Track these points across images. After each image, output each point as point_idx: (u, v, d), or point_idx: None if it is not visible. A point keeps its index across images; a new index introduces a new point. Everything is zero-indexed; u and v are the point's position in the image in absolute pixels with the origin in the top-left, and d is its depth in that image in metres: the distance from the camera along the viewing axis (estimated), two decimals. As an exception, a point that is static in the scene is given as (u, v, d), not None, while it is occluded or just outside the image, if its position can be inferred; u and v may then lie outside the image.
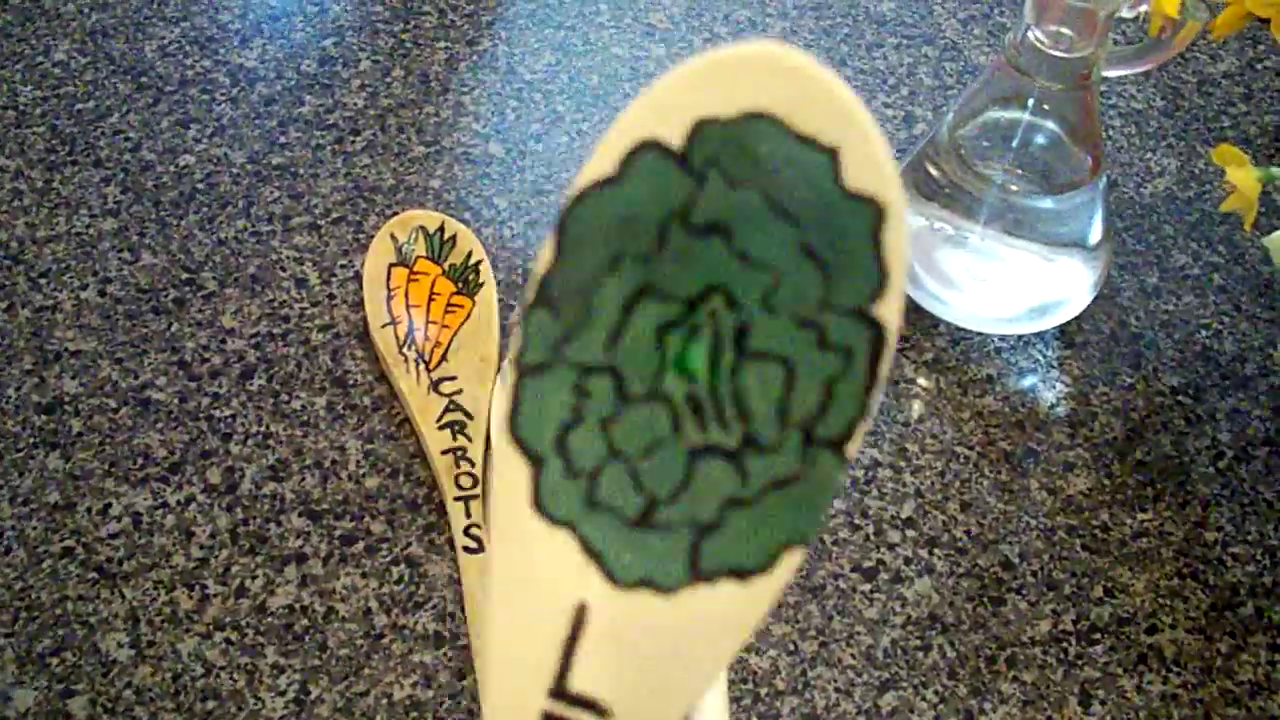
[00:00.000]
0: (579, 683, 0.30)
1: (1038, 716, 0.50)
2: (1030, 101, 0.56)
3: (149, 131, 0.67)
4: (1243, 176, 0.51)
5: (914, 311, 0.61)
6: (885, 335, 0.26)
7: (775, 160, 0.26)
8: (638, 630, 0.29)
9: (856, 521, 0.55)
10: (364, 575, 0.52)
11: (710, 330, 0.27)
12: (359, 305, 0.60)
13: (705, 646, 0.30)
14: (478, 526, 0.53)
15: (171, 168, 0.66)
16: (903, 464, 0.57)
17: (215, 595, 0.52)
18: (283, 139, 0.67)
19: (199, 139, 0.67)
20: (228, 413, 0.57)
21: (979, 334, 0.61)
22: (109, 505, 0.54)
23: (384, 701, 0.49)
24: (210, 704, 0.49)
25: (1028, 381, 0.60)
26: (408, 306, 0.59)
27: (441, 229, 0.62)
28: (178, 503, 0.54)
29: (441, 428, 0.56)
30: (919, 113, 0.71)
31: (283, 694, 0.49)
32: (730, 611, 0.28)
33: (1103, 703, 0.51)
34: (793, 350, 0.26)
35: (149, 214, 0.64)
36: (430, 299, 0.60)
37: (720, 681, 0.48)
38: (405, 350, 0.58)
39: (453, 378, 0.57)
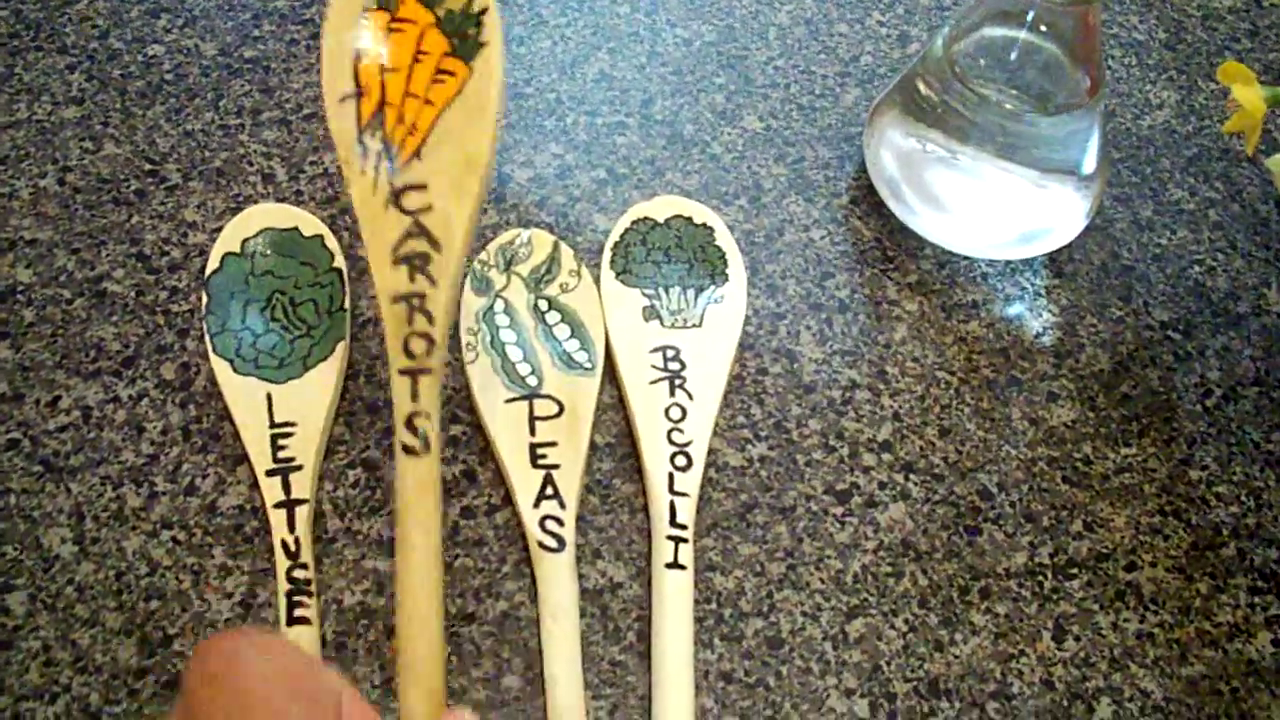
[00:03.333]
0: None
1: (1009, 649, 0.49)
2: (1029, 17, 0.54)
3: (117, 19, 0.65)
4: (1249, 95, 0.49)
5: (899, 232, 0.60)
6: None
7: None
8: None
9: (831, 443, 0.53)
10: (319, 479, 0.50)
11: None
12: (328, 202, 0.58)
13: None
14: (424, 416, 0.41)
15: (139, 57, 0.64)
16: (881, 386, 0.55)
17: (164, 493, 0.50)
18: (256, 31, 0.65)
19: (169, 29, 0.65)
20: (185, 307, 0.55)
21: (966, 258, 0.59)
22: (58, 398, 0.52)
23: (333, 607, 0.48)
24: (154, 603, 0.47)
25: (1014, 309, 0.58)
26: (382, 71, 0.44)
27: None
28: (129, 397, 0.52)
29: (398, 262, 0.42)
30: (914, 33, 0.69)
31: (229, 596, 0.48)
32: None
33: (1077, 638, 0.49)
34: None
35: (114, 103, 0.62)
36: (415, 60, 0.44)
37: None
38: (367, 137, 0.43)
39: (422, 186, 0.43)
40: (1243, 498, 0.53)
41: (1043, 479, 0.53)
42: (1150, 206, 0.62)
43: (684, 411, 0.52)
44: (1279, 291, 0.59)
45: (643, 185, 0.61)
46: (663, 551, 0.49)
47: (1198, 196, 0.63)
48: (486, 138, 0.43)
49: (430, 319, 0.41)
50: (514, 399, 0.52)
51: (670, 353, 0.54)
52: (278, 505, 0.49)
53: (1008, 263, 0.59)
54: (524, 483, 0.50)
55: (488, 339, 0.53)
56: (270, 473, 0.49)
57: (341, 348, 0.53)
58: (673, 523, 0.49)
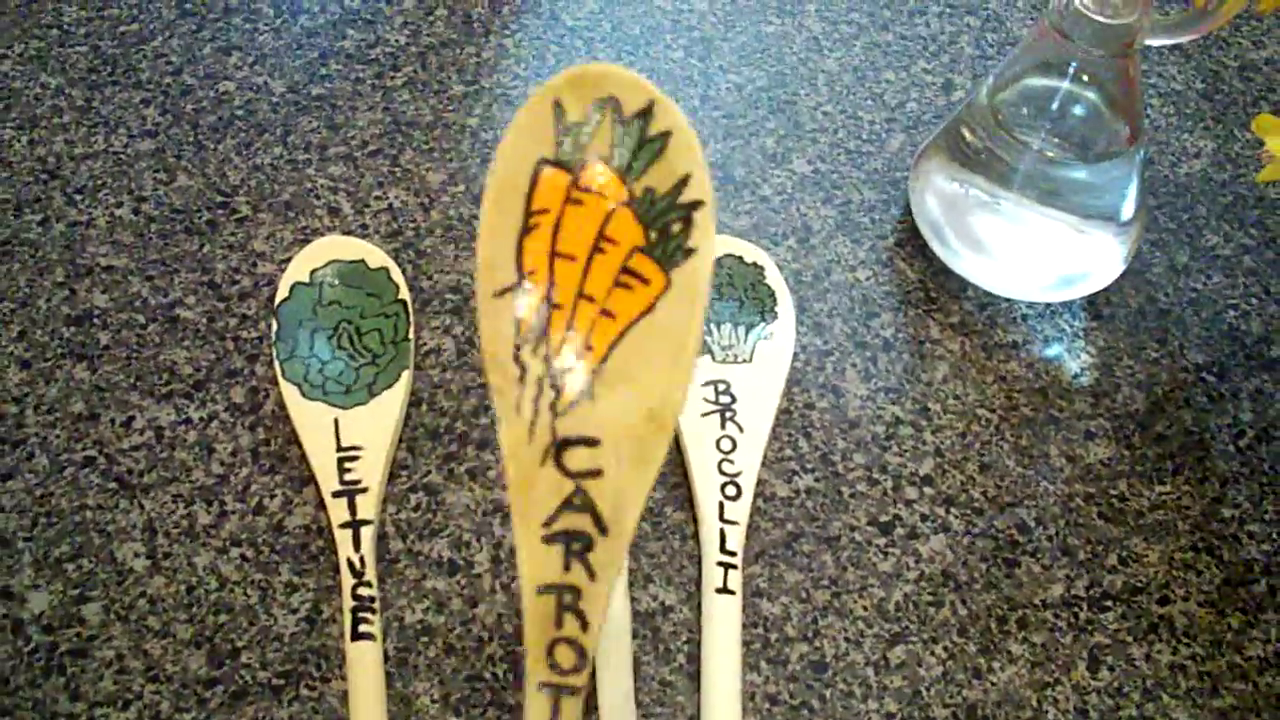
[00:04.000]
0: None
1: (1045, 678, 0.50)
2: (1071, 68, 0.56)
3: (190, 56, 0.68)
4: (1282, 147, 0.51)
5: (942, 274, 0.61)
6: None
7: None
8: None
9: (875, 476, 0.55)
10: (381, 501, 0.52)
11: None
12: (391, 236, 0.61)
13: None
14: None
15: (211, 93, 0.66)
16: (924, 423, 0.57)
17: (233, 512, 0.52)
18: (323, 70, 0.68)
19: (240, 66, 0.67)
20: (254, 334, 0.57)
21: (1007, 300, 0.61)
22: (132, 418, 0.54)
23: (395, 624, 0.49)
24: (223, 617, 0.49)
25: (1053, 350, 0.59)
26: (552, 255, 0.34)
27: (649, 113, 0.34)
28: (200, 419, 0.54)
29: (551, 540, 0.33)
30: (958, 80, 0.70)
31: (294, 611, 0.50)
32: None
33: (1111, 669, 0.51)
34: None
35: (186, 137, 0.64)
36: (595, 249, 0.34)
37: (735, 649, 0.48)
38: (526, 354, 0.33)
39: (594, 441, 0.33)
40: (1274, 536, 0.55)
41: (1079, 514, 0.55)
42: (1186, 252, 0.64)
43: (734, 443, 0.54)
44: (1311, 337, 0.61)
45: (694, 224, 0.62)
46: (712, 577, 0.50)
47: (1233, 243, 0.64)
48: (681, 385, 0.33)
49: (584, 624, 0.33)
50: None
51: (721, 386, 0.55)
52: (344, 525, 0.50)
53: (1047, 305, 0.61)
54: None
55: None
56: (336, 494, 0.51)
57: (406, 376, 0.55)
58: (722, 549, 0.51)
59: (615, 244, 0.33)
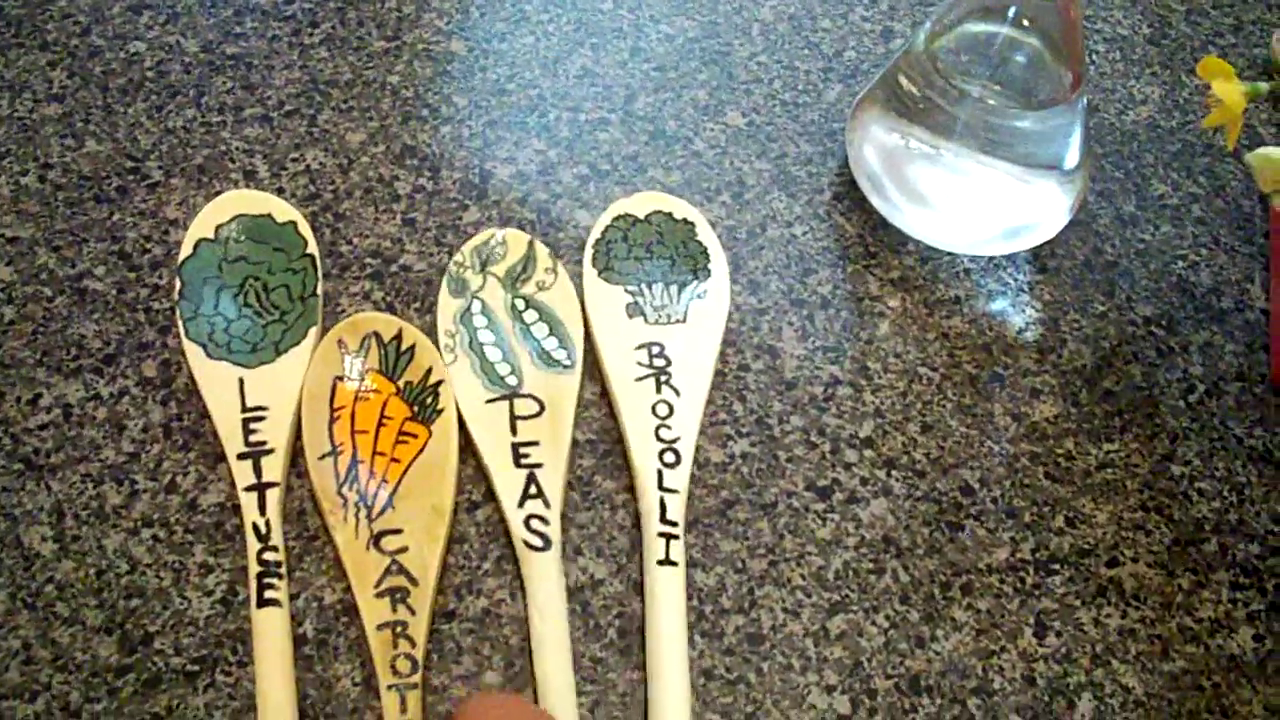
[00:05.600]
0: None
1: (991, 645, 0.49)
2: (1011, 12, 0.54)
3: (99, 16, 0.65)
4: (1228, 90, 0.49)
5: (882, 228, 0.60)
6: None
7: None
8: None
9: (813, 439, 0.53)
10: (298, 475, 0.50)
11: None
12: (309, 199, 0.58)
13: None
14: None
15: (121, 54, 0.64)
16: (863, 382, 0.55)
17: (144, 491, 0.50)
18: (238, 28, 0.65)
19: (151, 25, 0.65)
20: (166, 305, 0.55)
21: (948, 254, 0.59)
22: (39, 395, 0.52)
23: (314, 605, 0.48)
24: (134, 601, 0.47)
25: (997, 304, 0.58)
26: (353, 433, 0.51)
27: (399, 337, 0.53)
28: (110, 395, 0.52)
29: (380, 595, 0.47)
30: (897, 27, 0.69)
31: (209, 594, 0.48)
32: None
33: (1058, 634, 0.49)
34: None
35: (95, 100, 0.61)
36: (380, 424, 0.51)
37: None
38: (345, 490, 0.49)
39: (397, 530, 0.48)
40: (1225, 493, 0.53)
41: (1025, 475, 0.53)
42: (1133, 202, 0.62)
43: (671, 408, 0.52)
44: (1262, 287, 0.59)
45: (625, 181, 0.61)
46: (654, 549, 0.49)
47: (1181, 192, 0.63)
48: (448, 489, 0.50)
49: (412, 643, 0.46)
50: (494, 399, 0.52)
51: (655, 349, 0.54)
52: (249, 488, 0.49)
53: (990, 258, 0.59)
54: (507, 482, 0.50)
55: (466, 340, 0.54)
56: (241, 456, 0.50)
57: (314, 333, 0.53)
58: (663, 519, 0.49)
59: (391, 419, 0.51)
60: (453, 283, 0.55)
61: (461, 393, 0.52)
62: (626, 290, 0.55)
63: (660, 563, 0.48)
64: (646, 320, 0.55)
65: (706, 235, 0.58)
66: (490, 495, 0.51)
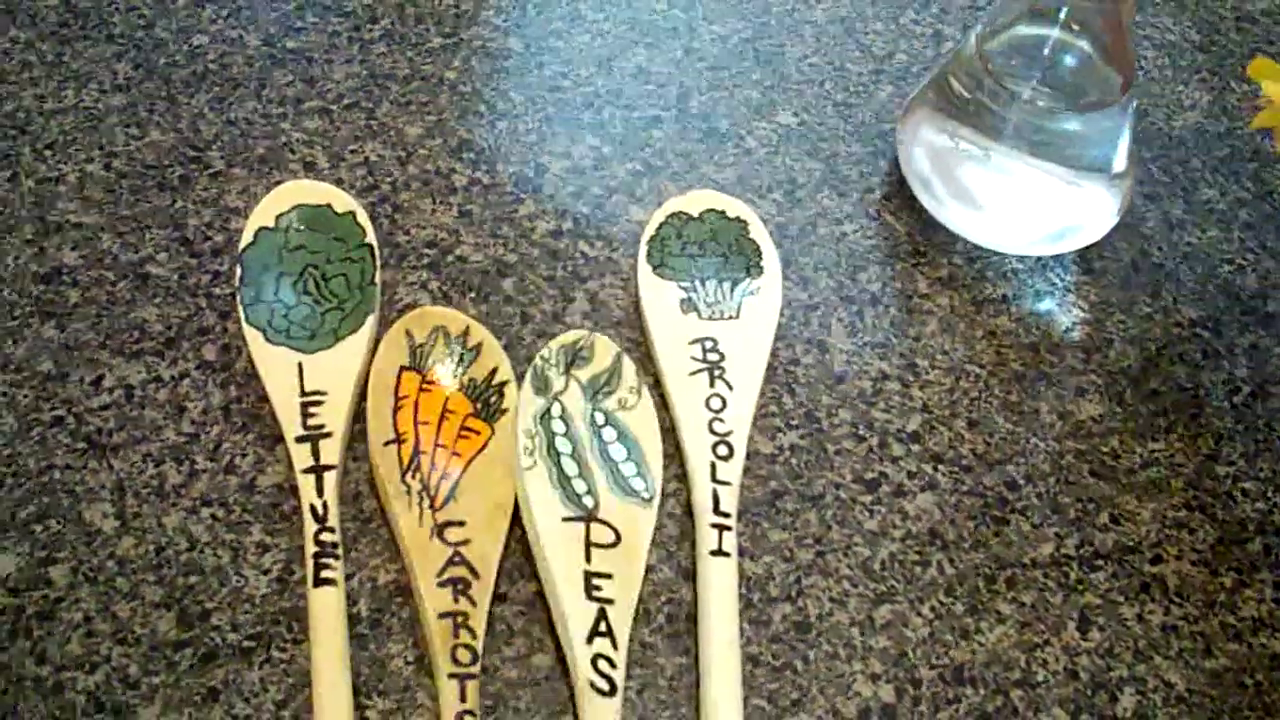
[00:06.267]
0: None
1: (1034, 639, 0.49)
2: (1062, 15, 0.55)
3: (163, 10, 0.66)
4: (1278, 91, 0.50)
5: (931, 228, 0.60)
6: None
7: None
8: None
9: (861, 433, 0.54)
10: (355, 459, 0.51)
11: None
12: (367, 190, 0.59)
13: None
14: (473, 715, 0.44)
15: (185, 46, 0.65)
16: (911, 378, 0.56)
17: (203, 471, 0.51)
18: (299, 23, 0.66)
19: (214, 19, 0.66)
20: (227, 291, 0.56)
21: (996, 254, 0.60)
22: (102, 377, 0.53)
23: (369, 585, 0.48)
24: (193, 578, 0.48)
25: (1043, 304, 0.58)
26: (416, 423, 0.51)
27: (466, 334, 0.54)
28: (171, 377, 0.53)
29: (442, 584, 0.47)
30: (947, 30, 0.69)
31: (266, 572, 0.48)
32: None
33: (1101, 629, 0.50)
34: None
35: (159, 91, 0.63)
36: (442, 417, 0.51)
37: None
38: (409, 478, 0.49)
39: (460, 523, 0.48)
40: (1269, 494, 0.54)
41: (1070, 472, 0.53)
42: (1180, 205, 0.63)
43: (724, 402, 0.53)
44: (1308, 291, 0.60)
45: (678, 178, 0.61)
46: (707, 539, 0.49)
47: (1228, 196, 0.63)
48: (509, 487, 0.50)
49: (473, 634, 0.46)
50: (571, 518, 0.49)
51: (709, 344, 0.54)
52: (306, 470, 0.50)
53: (1038, 259, 0.60)
54: (577, 614, 0.47)
55: (544, 445, 0.51)
56: (300, 439, 0.50)
57: (371, 320, 0.54)
58: (716, 510, 0.50)
59: (453, 413, 0.52)
60: (536, 379, 0.52)
61: (538, 505, 0.49)
62: (680, 286, 0.56)
63: (713, 553, 0.49)
64: (700, 316, 0.55)
65: (759, 233, 0.58)
66: (551, 627, 0.48)
